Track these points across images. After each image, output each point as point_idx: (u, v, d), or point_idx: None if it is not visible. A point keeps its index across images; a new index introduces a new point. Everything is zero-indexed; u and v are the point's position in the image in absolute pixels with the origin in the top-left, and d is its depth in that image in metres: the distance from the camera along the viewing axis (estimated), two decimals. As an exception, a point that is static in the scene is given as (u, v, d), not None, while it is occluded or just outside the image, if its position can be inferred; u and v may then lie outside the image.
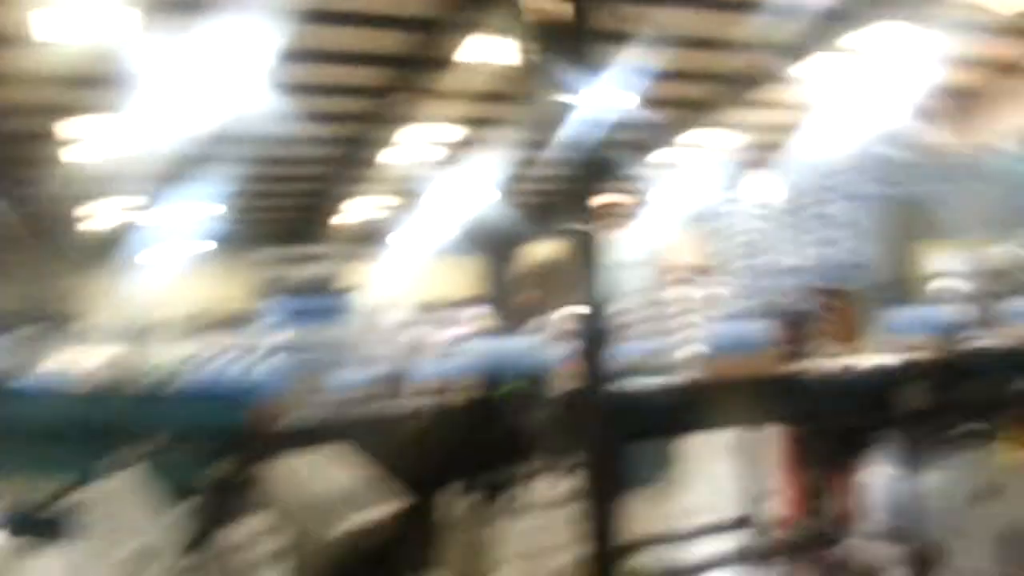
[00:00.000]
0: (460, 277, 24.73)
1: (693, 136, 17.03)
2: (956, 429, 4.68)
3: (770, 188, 12.56)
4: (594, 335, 3.37)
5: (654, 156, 18.20)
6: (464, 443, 3.54)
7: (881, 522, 4.57)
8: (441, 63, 12.50)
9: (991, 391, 4.24)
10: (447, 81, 13.13)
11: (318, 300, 16.78)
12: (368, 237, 22.57)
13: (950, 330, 5.53)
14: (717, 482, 5.39)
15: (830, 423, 4.05)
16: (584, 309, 3.42)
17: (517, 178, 17.97)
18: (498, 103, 14.35)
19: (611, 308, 3.31)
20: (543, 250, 23.80)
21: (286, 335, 14.63)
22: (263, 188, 19.62)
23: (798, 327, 5.60)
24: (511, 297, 23.23)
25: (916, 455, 4.41)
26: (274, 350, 13.52)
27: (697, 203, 20.41)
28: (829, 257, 11.51)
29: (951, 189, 11.34)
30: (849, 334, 7.91)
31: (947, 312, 6.99)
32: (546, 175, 17.93)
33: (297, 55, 11.66)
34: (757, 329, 4.73)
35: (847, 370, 4.25)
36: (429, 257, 23.55)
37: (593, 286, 3.50)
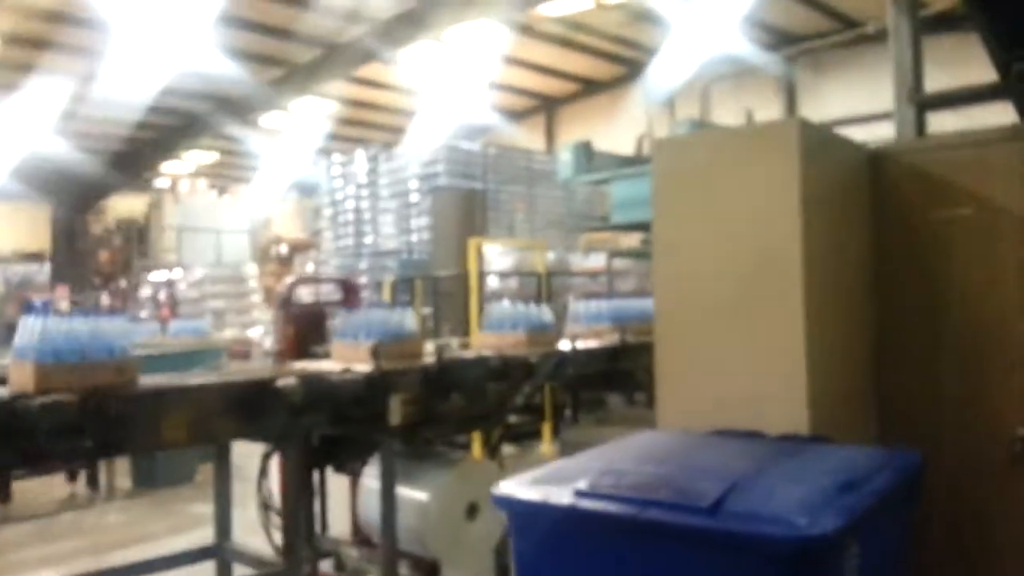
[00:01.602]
0: (18, 227, 21.14)
1: (297, 103, 16.12)
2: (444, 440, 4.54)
3: (366, 169, 12.25)
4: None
5: (257, 118, 16.98)
6: None
7: (374, 533, 4.26)
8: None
9: (475, 402, 4.11)
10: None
11: None
12: None
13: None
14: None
15: (319, 431, 3.65)
16: None
17: (83, 118, 15.58)
18: (56, 24, 12.22)
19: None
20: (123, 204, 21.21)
21: None
22: None
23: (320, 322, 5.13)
24: (84, 255, 20.35)
25: (407, 465, 4.16)
26: None
27: (300, 175, 19.52)
28: (408, 244, 11.51)
29: (519, 189, 12.00)
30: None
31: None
32: (126, 120, 15.83)
33: None
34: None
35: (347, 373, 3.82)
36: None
37: None
